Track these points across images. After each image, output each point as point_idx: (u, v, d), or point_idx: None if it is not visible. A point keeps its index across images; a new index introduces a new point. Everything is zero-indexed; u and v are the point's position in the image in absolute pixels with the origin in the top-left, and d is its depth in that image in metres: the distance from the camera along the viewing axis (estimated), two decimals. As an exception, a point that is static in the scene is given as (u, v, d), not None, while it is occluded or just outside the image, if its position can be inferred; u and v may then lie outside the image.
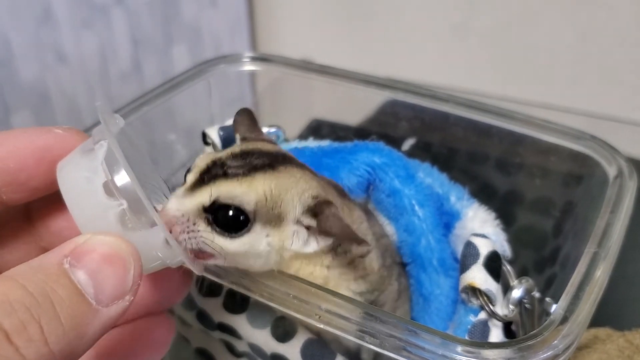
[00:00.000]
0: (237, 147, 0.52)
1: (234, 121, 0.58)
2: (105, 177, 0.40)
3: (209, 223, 0.47)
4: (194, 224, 0.46)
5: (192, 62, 1.34)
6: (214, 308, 0.59)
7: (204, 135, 0.70)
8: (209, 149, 0.70)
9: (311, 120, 0.89)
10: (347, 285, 0.54)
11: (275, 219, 0.49)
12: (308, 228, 0.50)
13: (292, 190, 0.50)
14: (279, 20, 1.52)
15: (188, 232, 0.46)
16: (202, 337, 0.65)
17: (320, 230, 0.49)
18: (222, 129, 0.70)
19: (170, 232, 0.45)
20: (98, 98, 1.25)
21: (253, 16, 1.52)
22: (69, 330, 0.34)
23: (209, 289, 0.59)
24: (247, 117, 0.58)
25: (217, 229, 0.47)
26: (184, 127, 0.78)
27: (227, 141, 0.70)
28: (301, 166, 0.52)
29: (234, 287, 0.50)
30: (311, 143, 0.72)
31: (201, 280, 0.59)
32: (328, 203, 0.50)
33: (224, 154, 0.50)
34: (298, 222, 0.50)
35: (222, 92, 0.78)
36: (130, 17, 1.26)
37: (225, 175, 0.48)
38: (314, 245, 0.51)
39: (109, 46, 1.25)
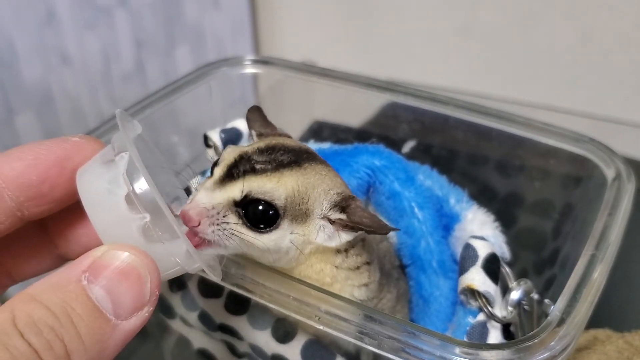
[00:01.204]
0: (261, 142, 0.53)
1: (247, 119, 0.59)
2: (127, 190, 0.40)
3: (240, 217, 0.48)
4: (224, 217, 0.48)
5: (194, 64, 1.35)
6: (216, 309, 0.60)
7: (206, 138, 0.71)
8: (210, 151, 0.70)
9: (312, 122, 0.89)
10: (350, 291, 0.55)
11: (301, 215, 0.50)
12: (333, 222, 0.51)
13: (319, 187, 0.51)
14: (282, 22, 1.51)
15: (217, 224, 0.47)
16: (204, 338, 0.65)
17: (350, 222, 0.50)
18: (224, 131, 0.70)
19: (199, 224, 0.46)
20: (101, 99, 1.25)
21: (255, 18, 1.52)
22: (90, 347, 0.36)
23: (211, 290, 0.60)
24: (259, 114, 0.59)
25: (247, 224, 0.48)
26: (186, 129, 0.78)
27: (228, 143, 0.70)
28: (324, 163, 0.54)
29: (235, 289, 0.50)
30: (312, 145, 0.72)
31: (202, 282, 0.60)
32: (353, 198, 0.52)
33: (249, 148, 0.51)
34: (324, 217, 0.51)
35: (224, 95, 0.78)
36: (133, 19, 1.26)
37: (253, 170, 0.49)
38: (337, 239, 0.52)
39: (112, 47, 1.25)
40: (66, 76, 1.17)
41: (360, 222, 0.50)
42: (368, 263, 0.56)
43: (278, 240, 0.49)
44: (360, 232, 0.52)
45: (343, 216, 0.51)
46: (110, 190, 0.41)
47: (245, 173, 0.49)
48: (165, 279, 0.42)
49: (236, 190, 0.48)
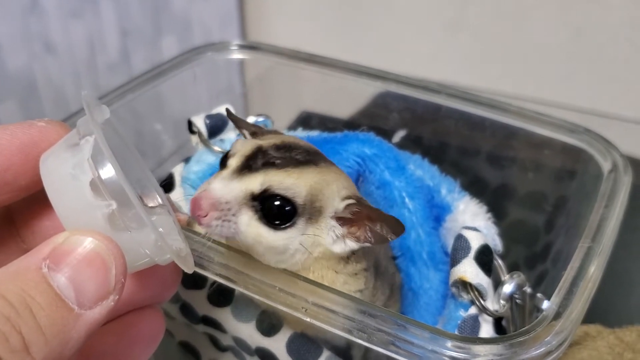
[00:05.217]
0: (273, 138, 0.52)
1: (233, 121, 0.58)
2: (92, 175, 0.37)
3: (255, 211, 0.47)
4: (234, 215, 0.47)
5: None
6: (198, 301, 0.58)
7: (190, 124, 0.69)
8: (194, 138, 0.69)
9: (301, 112, 0.88)
10: None
11: (315, 213, 0.49)
12: (341, 222, 0.50)
13: (333, 185, 0.50)
14: (270, 12, 1.50)
15: (224, 220, 0.46)
16: (186, 331, 0.64)
17: (361, 208, 0.49)
18: (209, 117, 0.69)
19: (206, 215, 0.45)
20: (86, 88, 1.23)
21: (243, 7, 1.50)
22: (51, 338, 0.33)
23: (193, 280, 0.58)
24: (236, 116, 0.59)
25: (263, 219, 0.47)
26: (170, 116, 0.77)
27: (214, 129, 0.69)
28: (336, 166, 0.53)
29: (219, 280, 0.49)
30: (300, 133, 0.71)
31: (184, 272, 0.58)
32: (362, 198, 0.51)
33: (264, 142, 0.50)
34: (335, 216, 0.50)
35: (210, 81, 0.76)
36: (119, 7, 1.24)
37: (273, 164, 0.48)
38: (342, 245, 0.51)
39: (97, 36, 1.23)
40: (50, 65, 1.15)
41: (371, 212, 0.49)
42: (366, 270, 0.55)
43: (288, 240, 0.48)
44: (366, 244, 0.50)
45: (352, 201, 0.50)
46: (74, 176, 0.38)
47: (264, 166, 0.48)
48: (133, 270, 0.40)
49: (255, 182, 0.47)
